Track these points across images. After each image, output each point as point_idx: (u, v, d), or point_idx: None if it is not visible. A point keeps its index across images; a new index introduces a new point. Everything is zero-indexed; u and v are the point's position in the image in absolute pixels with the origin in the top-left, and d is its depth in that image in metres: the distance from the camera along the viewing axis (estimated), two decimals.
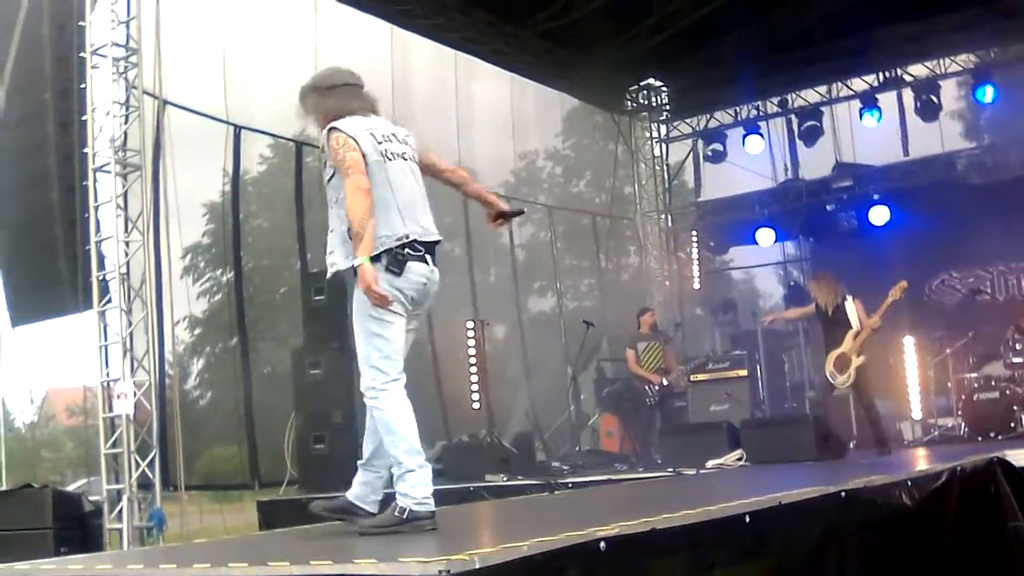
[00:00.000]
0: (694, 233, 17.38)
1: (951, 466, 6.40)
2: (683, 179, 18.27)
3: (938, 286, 15.19)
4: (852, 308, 10.08)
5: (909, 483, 5.79)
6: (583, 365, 13.60)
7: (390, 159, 4.70)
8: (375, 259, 4.52)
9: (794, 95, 16.43)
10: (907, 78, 15.60)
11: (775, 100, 16.57)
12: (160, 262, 10.68)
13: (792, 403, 13.75)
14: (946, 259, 15.06)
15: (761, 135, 16.43)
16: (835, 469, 7.93)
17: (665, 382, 12.44)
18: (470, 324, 12.64)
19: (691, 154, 17.45)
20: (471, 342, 12.52)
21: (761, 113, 16.71)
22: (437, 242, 4.80)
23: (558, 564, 3.36)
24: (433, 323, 13.63)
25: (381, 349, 4.63)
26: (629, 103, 17.07)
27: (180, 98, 11.28)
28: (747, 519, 4.31)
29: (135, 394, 9.62)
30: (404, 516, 4.50)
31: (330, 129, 4.73)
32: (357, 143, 4.65)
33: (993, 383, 11.10)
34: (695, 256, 17.33)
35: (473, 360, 12.52)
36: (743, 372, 12.89)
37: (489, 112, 14.85)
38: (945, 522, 6.10)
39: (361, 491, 4.85)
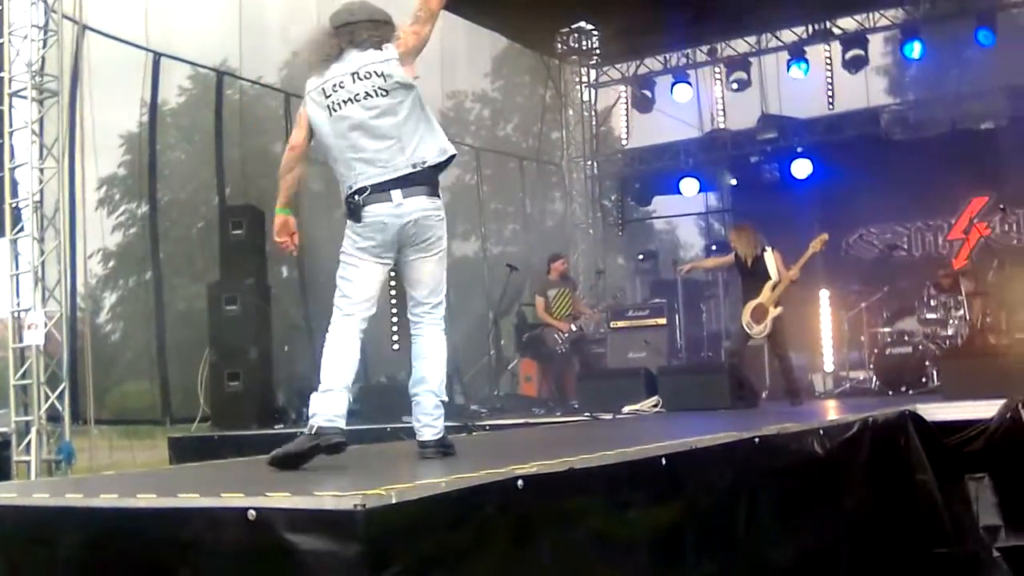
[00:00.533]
0: (619, 180, 17.40)
1: (863, 416, 6.52)
2: (610, 125, 18.26)
3: (856, 240, 15.44)
4: (771, 259, 10.14)
5: (821, 432, 5.87)
6: (505, 310, 13.57)
7: (336, 109, 4.75)
8: (348, 212, 4.81)
9: (723, 44, 16.45)
10: (836, 31, 15.70)
11: (704, 49, 16.59)
12: (75, 192, 10.42)
13: (708, 352, 13.92)
14: (865, 214, 15.29)
15: (689, 84, 16.46)
16: (749, 417, 8.03)
17: (574, 328, 12.45)
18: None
19: (620, 100, 17.41)
20: (392, 283, 12.37)
21: (690, 62, 16.72)
22: (411, 174, 4.74)
23: (476, 501, 3.35)
24: None
25: (340, 288, 4.86)
26: (560, 46, 16.93)
27: (100, 23, 10.94)
28: (663, 461, 4.33)
29: (46, 325, 9.39)
30: (312, 432, 4.56)
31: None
32: (304, 105, 4.91)
33: (906, 338, 11.31)
34: (619, 204, 17.36)
35: (393, 301, 12.39)
36: (662, 321, 13.00)
37: None
38: (855, 471, 6.21)
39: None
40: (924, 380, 10.83)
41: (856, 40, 15.35)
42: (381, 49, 4.78)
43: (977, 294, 11.58)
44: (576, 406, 10.77)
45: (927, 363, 10.86)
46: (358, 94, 4.73)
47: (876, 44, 16.25)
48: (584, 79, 17.48)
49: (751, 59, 16.24)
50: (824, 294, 12.87)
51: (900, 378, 10.97)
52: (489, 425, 9.32)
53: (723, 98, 16.78)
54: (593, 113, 17.67)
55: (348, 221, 4.81)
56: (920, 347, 11.06)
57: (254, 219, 11.37)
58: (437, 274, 4.96)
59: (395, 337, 12.30)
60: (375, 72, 4.74)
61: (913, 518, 6.69)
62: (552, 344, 12.45)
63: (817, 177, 15.38)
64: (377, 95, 4.73)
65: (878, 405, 8.21)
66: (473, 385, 13.69)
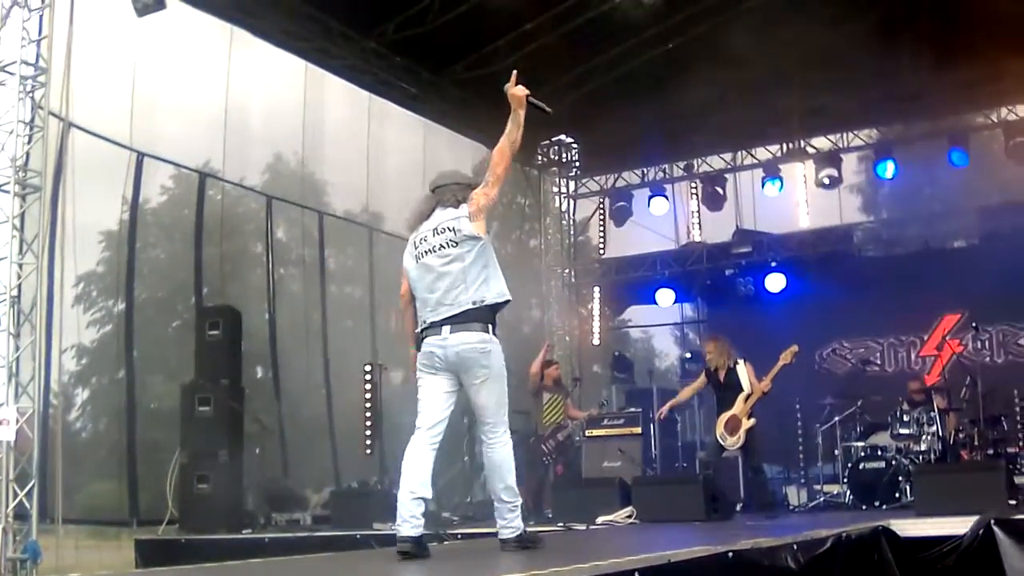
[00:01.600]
0: (596, 289, 17.52)
1: (837, 532, 6.50)
2: (588, 235, 18.47)
3: (829, 355, 15.57)
4: (743, 371, 10.27)
5: (795, 547, 5.85)
6: None
7: (420, 258, 5.74)
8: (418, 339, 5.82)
9: (700, 160, 16.79)
10: (810, 150, 16.05)
11: (681, 164, 16.93)
12: (52, 288, 10.38)
13: (683, 463, 13.86)
14: (838, 328, 15.45)
15: (666, 197, 16.74)
16: (723, 530, 7.98)
17: (561, 437, 12.36)
18: (367, 368, 12.49)
19: (597, 212, 17.65)
20: (367, 386, 12.36)
21: (667, 176, 17.03)
22: (463, 312, 5.62)
23: None
24: (329, 366, 13.49)
25: (418, 404, 5.83)
26: (540, 157, 17.24)
27: (85, 121, 11.07)
28: (636, 574, 4.30)
29: (18, 421, 9.27)
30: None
31: None
32: (404, 259, 5.91)
33: (879, 452, 11.32)
34: (596, 312, 17.46)
35: (368, 404, 12.36)
36: (637, 430, 12.97)
37: (401, 156, 14.83)
38: None
39: None
40: (898, 495, 10.80)
41: (830, 159, 15.69)
42: (458, 207, 5.71)
43: (950, 410, 11.65)
44: (551, 515, 10.66)
45: (900, 478, 10.85)
46: (435, 246, 5.69)
47: (850, 163, 16.64)
48: (563, 190, 17.78)
49: (726, 175, 16.56)
50: (798, 407, 12.91)
51: (874, 493, 10.93)
52: (461, 534, 9.20)
53: (699, 212, 17.06)
54: (571, 222, 17.91)
55: (418, 352, 5.77)
56: (893, 462, 11.05)
57: (231, 320, 11.37)
58: (488, 401, 5.71)
59: (368, 441, 12.21)
60: (448, 228, 5.69)
61: None
62: (538, 456, 12.33)
63: (791, 291, 15.57)
64: (449, 246, 5.66)
65: (852, 520, 8.18)
66: (447, 491, 13.52)
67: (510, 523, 5.79)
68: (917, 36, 12.55)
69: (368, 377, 12.30)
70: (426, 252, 5.72)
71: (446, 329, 5.60)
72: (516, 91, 5.90)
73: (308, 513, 11.63)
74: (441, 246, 5.67)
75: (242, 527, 10.70)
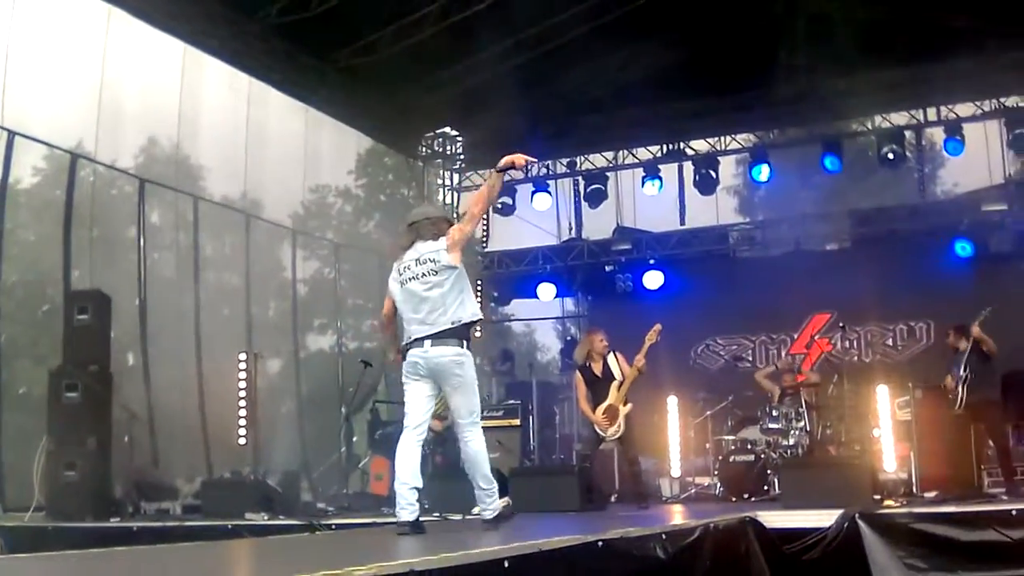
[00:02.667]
0: (479, 283, 17.54)
1: (705, 522, 6.64)
2: None
3: (703, 351, 15.91)
4: (614, 361, 10.47)
5: (664, 536, 5.96)
6: (358, 406, 13.41)
7: (405, 284, 6.77)
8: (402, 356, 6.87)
9: (582, 158, 16.94)
10: (689, 151, 16.34)
11: (564, 161, 17.05)
12: None
13: (560, 454, 14.01)
14: (713, 325, 15.81)
15: (549, 193, 16.83)
16: (596, 520, 8.08)
17: (440, 427, 12.31)
18: (242, 356, 12.26)
19: None
20: (242, 375, 12.14)
21: (550, 172, 17.14)
22: (442, 330, 6.66)
23: None
24: (202, 354, 13.21)
25: (405, 409, 6.88)
26: (424, 149, 17.16)
27: None
28: (506, 564, 4.32)
29: None
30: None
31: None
32: (389, 283, 6.95)
33: (749, 446, 11.60)
34: (478, 304, 17.48)
35: (243, 394, 12.14)
36: (516, 422, 13.06)
37: (281, 143, 14.60)
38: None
39: None
40: (766, 488, 11.09)
41: (707, 161, 16.00)
42: (436, 240, 6.74)
43: (817, 407, 12.01)
44: (427, 506, 10.63)
45: (769, 471, 11.14)
46: (418, 274, 6.71)
47: (727, 165, 17.06)
48: (447, 182, 17.69)
49: (608, 173, 16.76)
50: (672, 401, 13.14)
51: (743, 485, 11.20)
52: (336, 524, 9.13)
53: (581, 208, 17.22)
54: (455, 215, 17.86)
55: (404, 361, 6.80)
56: (762, 456, 11.34)
57: (100, 304, 11.01)
58: (462, 403, 6.80)
59: (242, 431, 11.99)
60: (430, 259, 6.71)
61: None
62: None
63: (668, 289, 15.85)
64: (430, 275, 6.68)
65: (721, 511, 8.36)
66: (322, 482, 13.44)
67: (488, 506, 6.91)
68: (793, 43, 12.86)
69: (243, 366, 12.07)
70: (410, 279, 6.74)
71: (428, 343, 6.65)
72: (517, 158, 6.94)
73: (178, 503, 11.38)
74: (424, 274, 6.70)
75: (110, 515, 10.41)
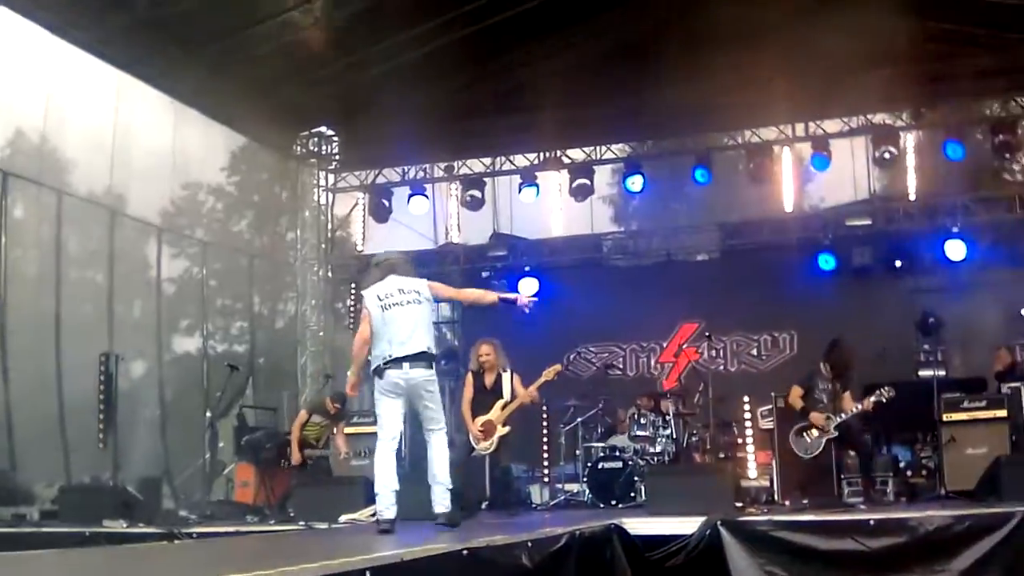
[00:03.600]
0: (353, 286, 17.34)
1: (571, 529, 6.67)
2: (347, 231, 18.27)
3: (575, 358, 16.03)
4: (508, 380, 10.42)
5: (530, 544, 5.96)
6: (224, 411, 13.10)
7: (387, 308, 7.60)
8: (375, 372, 7.65)
9: (460, 163, 16.91)
10: (565, 160, 16.45)
11: (442, 165, 16.98)
12: None
13: None
14: (585, 333, 15.95)
15: (426, 197, 16.74)
16: (464, 528, 8.03)
17: (307, 461, 11.92)
18: (102, 357, 11.82)
19: (356, 207, 17.46)
20: (102, 377, 11.70)
21: (428, 176, 17.05)
22: (419, 353, 7.53)
23: None
24: (62, 353, 12.74)
25: (377, 420, 7.81)
26: (299, 148, 16.89)
27: None
28: (367, 574, 4.24)
29: None
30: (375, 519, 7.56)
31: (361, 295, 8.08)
32: (366, 305, 7.72)
33: (617, 453, 11.72)
34: (352, 309, 17.26)
35: (102, 396, 11.71)
36: None
37: (151, 138, 14.19)
38: None
39: None
40: (633, 495, 11.21)
41: (583, 170, 16.14)
42: (417, 278, 7.88)
43: (684, 415, 12.21)
44: (292, 514, 10.45)
45: (636, 478, 11.27)
46: (402, 301, 7.62)
47: (603, 175, 17.21)
48: (322, 183, 17.41)
49: (485, 179, 16.75)
50: (544, 408, 13.21)
51: (611, 492, 11.31)
52: (197, 533, 8.89)
53: (458, 213, 17.19)
54: (329, 217, 17.59)
55: (376, 380, 7.63)
56: (630, 463, 11.47)
57: None
58: (433, 415, 7.72)
59: (101, 435, 11.56)
60: (415, 290, 7.70)
61: None
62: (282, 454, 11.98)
63: (543, 295, 15.82)
64: (414, 303, 7.63)
65: (588, 518, 8.42)
66: (185, 489, 13.09)
67: (445, 504, 7.64)
68: (668, 57, 13.08)
69: (103, 368, 11.64)
70: (392, 305, 7.61)
71: (407, 364, 7.48)
72: (521, 297, 8.71)
73: (36, 508, 10.99)
74: (408, 302, 7.62)
75: None
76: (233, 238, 17.48)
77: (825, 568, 7.37)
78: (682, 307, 15.57)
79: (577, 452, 12.67)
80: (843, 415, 10.00)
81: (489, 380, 10.46)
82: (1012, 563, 7.03)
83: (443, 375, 14.02)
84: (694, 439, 12.32)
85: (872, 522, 7.44)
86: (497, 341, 10.75)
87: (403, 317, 7.57)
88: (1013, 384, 11.65)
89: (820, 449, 10.01)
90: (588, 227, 17.25)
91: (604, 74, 14.45)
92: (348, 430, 12.55)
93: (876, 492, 10.30)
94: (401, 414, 7.70)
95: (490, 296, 8.51)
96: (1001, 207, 14.90)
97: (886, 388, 9.91)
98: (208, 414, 12.66)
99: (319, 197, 17.28)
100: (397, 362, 7.47)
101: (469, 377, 10.74)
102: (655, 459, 11.58)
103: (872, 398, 9.89)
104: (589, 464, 11.81)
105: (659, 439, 11.70)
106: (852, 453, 10.49)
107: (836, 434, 9.99)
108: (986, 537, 7.13)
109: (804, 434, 10.08)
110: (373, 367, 7.62)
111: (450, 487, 7.67)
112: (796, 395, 10.27)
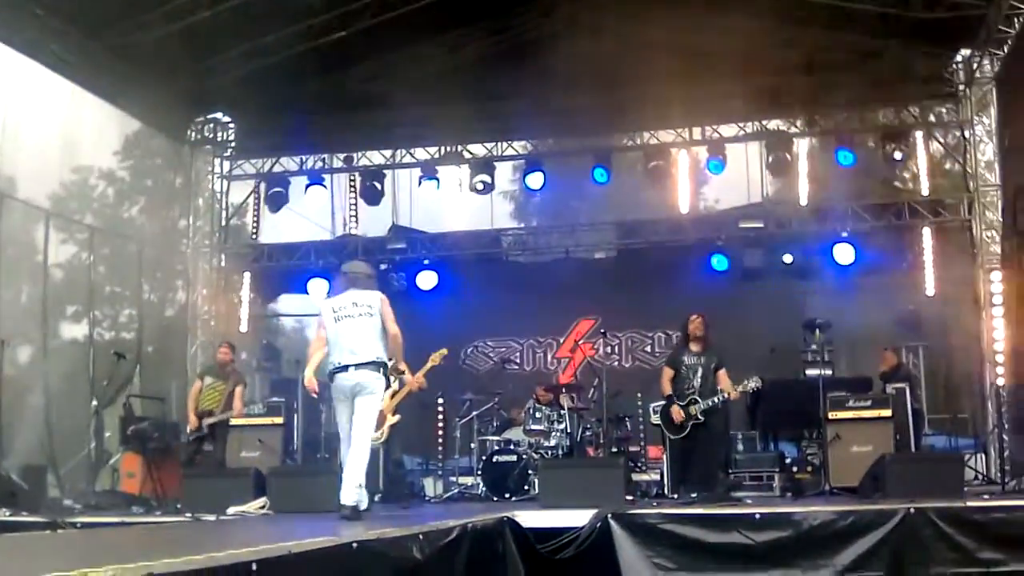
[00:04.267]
0: (247, 275, 17.08)
1: (463, 522, 6.67)
2: (242, 220, 17.97)
3: (472, 352, 16.09)
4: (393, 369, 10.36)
5: (421, 537, 5.94)
6: (110, 399, 12.79)
7: (338, 320, 8.27)
8: (328, 376, 8.28)
9: (360, 154, 16.77)
10: (467, 155, 16.45)
11: (341, 156, 16.83)
12: None
13: (326, 454, 13.78)
14: (483, 327, 16.01)
15: (324, 187, 16.57)
16: (355, 521, 7.99)
17: (204, 427, 11.71)
18: None
19: (252, 195, 17.20)
20: None
21: (326, 166, 16.88)
22: (367, 362, 8.12)
23: None
24: None
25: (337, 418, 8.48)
26: (193, 134, 16.55)
27: None
28: (253, 567, 4.19)
29: None
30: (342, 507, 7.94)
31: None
32: (322, 315, 8.49)
33: (512, 447, 11.79)
34: (245, 299, 17.01)
35: None
36: (279, 420, 12.78)
37: (42, 120, 13.71)
38: None
39: None
40: (527, 488, 11.29)
41: (484, 165, 16.17)
42: (371, 291, 8.41)
43: (579, 409, 12.34)
44: (179, 506, 10.27)
45: (530, 472, 11.35)
46: (353, 314, 8.25)
47: (504, 171, 17.27)
48: (217, 170, 17.07)
49: (385, 171, 16.65)
50: (440, 401, 13.22)
51: (505, 485, 11.38)
52: (81, 523, 8.67)
53: (356, 205, 17.05)
54: (224, 205, 17.27)
55: (330, 382, 8.25)
56: (524, 456, 11.55)
57: None
58: (367, 413, 8.18)
59: None
60: (366, 303, 8.29)
61: None
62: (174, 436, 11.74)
63: (441, 289, 15.92)
64: (365, 315, 8.23)
65: (481, 511, 8.45)
66: (70, 478, 12.74)
67: (352, 497, 7.89)
68: (570, 57, 13.17)
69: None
70: (344, 316, 8.25)
71: (352, 369, 8.10)
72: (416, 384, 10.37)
73: None
74: (360, 315, 8.24)
75: None
76: (124, 224, 16.97)
77: (712, 561, 7.51)
78: (579, 303, 15.75)
79: (472, 445, 12.72)
80: (712, 401, 10.17)
81: None
82: (894, 559, 7.25)
83: None
84: (588, 433, 12.46)
85: (758, 516, 7.61)
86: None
87: (354, 329, 8.21)
88: (898, 384, 12.06)
89: (685, 432, 10.21)
90: (488, 222, 17.29)
91: (506, 72, 14.51)
92: (241, 421, 12.37)
93: (762, 486, 10.54)
94: (348, 412, 8.24)
95: (399, 364, 8.74)
96: (890, 213, 15.37)
97: (754, 379, 10.13)
98: (94, 403, 12.37)
99: (213, 184, 16.96)
100: (345, 368, 8.12)
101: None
102: (549, 453, 11.67)
103: (739, 387, 10.11)
104: (484, 457, 11.86)
105: (554, 433, 11.80)
106: (740, 448, 10.73)
107: (702, 419, 10.17)
108: (869, 533, 7.34)
109: (671, 413, 10.32)
110: (327, 372, 8.28)
111: (361, 483, 8.03)
112: (666, 378, 10.52)
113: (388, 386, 8.82)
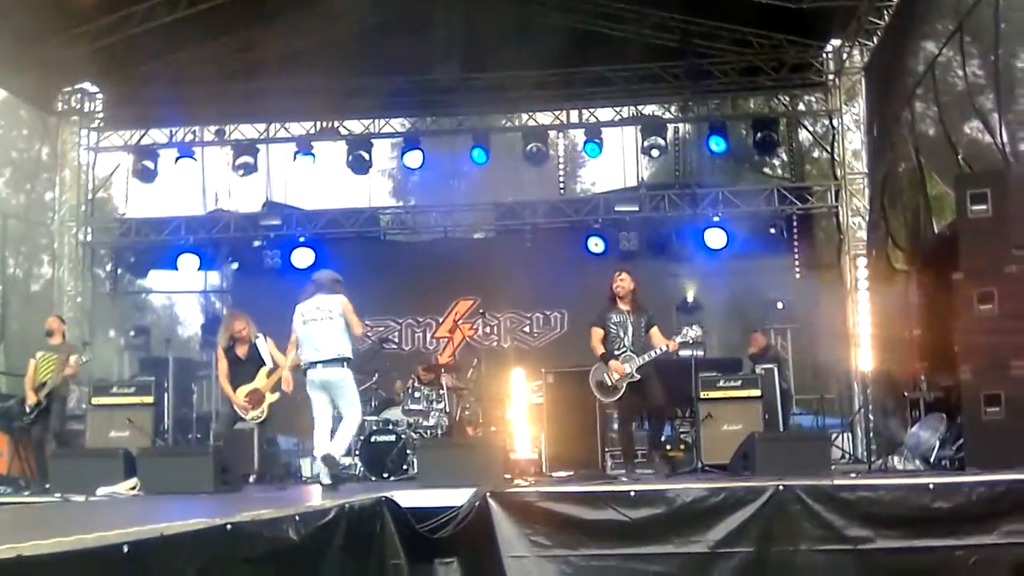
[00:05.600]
0: (114, 250, 16.57)
1: (340, 503, 6.61)
2: (110, 193, 17.42)
3: None
4: (264, 346, 10.29)
5: (297, 517, 5.86)
6: None
7: (306, 323, 9.32)
8: (303, 372, 9.40)
9: (232, 127, 16.41)
10: (343, 131, 16.26)
11: (212, 129, 16.43)
12: None
13: (198, 434, 13.49)
14: (361, 307, 15.65)
15: (195, 160, 16.17)
16: (229, 502, 7.84)
17: (43, 400, 11.27)
18: None
19: (120, 168, 16.66)
20: None
21: (197, 139, 16.47)
22: (332, 359, 9.23)
23: None
24: None
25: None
26: (60, 104, 15.94)
27: None
28: (125, 549, 4.07)
29: None
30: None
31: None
32: (294, 319, 9.44)
33: (391, 427, 11.73)
34: (113, 274, 16.50)
35: None
36: (149, 399, 12.42)
37: None
38: (330, 557, 6.26)
39: None
40: (406, 467, 11.25)
41: (361, 143, 16.01)
42: (335, 295, 9.38)
43: (457, 389, 12.35)
44: (48, 486, 9.93)
45: (409, 451, 11.31)
46: (318, 317, 9.28)
47: (382, 149, 17.13)
48: (84, 142, 16.46)
49: (259, 145, 16.33)
50: None
51: (384, 465, 11.31)
52: None
53: (229, 179, 16.69)
54: (91, 178, 16.67)
55: (306, 376, 9.33)
56: (403, 436, 11.50)
57: None
58: (345, 403, 9.31)
59: None
60: (328, 307, 9.29)
61: None
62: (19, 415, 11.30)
63: (318, 267, 15.61)
64: (326, 319, 9.27)
65: (359, 491, 8.38)
66: None
67: (336, 471, 9.09)
68: (449, 33, 13.13)
69: None
70: (310, 320, 9.28)
71: (320, 366, 9.22)
72: None
73: None
74: (323, 318, 9.27)
75: None
76: None
77: (588, 537, 7.59)
78: (458, 284, 15.74)
79: None
80: (648, 355, 9.88)
81: (243, 351, 10.34)
82: (763, 533, 7.42)
83: (210, 345, 13.69)
84: (467, 413, 12.46)
85: (633, 493, 7.72)
86: (245, 313, 10.69)
87: (320, 330, 9.27)
88: (767, 365, 12.40)
89: (621, 393, 9.93)
90: (367, 200, 17.15)
91: (383, 46, 14.35)
92: (102, 400, 12.01)
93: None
94: (327, 403, 9.34)
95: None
96: (760, 199, 15.78)
97: (694, 328, 10.09)
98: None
99: (80, 156, 16.37)
100: (314, 364, 9.25)
101: (220, 351, 10.50)
102: (428, 432, 11.64)
103: (678, 338, 9.90)
104: (362, 437, 11.76)
105: (432, 413, 11.77)
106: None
107: (638, 377, 9.83)
108: (740, 509, 7.49)
109: (605, 375, 9.96)
110: (302, 368, 9.36)
111: (339, 459, 9.26)
112: (597, 339, 10.06)
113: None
